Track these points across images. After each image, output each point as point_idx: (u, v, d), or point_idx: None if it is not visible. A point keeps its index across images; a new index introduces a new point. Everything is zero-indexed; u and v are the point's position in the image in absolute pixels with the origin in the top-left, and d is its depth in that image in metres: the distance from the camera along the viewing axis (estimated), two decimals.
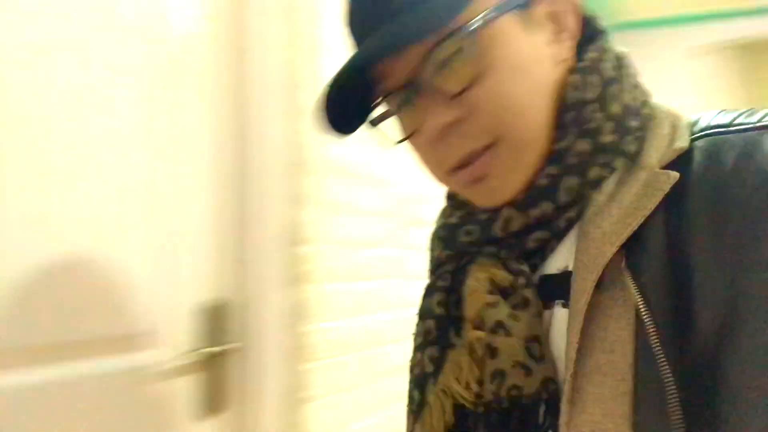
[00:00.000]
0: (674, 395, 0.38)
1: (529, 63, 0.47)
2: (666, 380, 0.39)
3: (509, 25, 0.46)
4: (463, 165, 0.47)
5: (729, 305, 0.39)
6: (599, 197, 0.46)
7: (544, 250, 0.49)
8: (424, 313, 0.53)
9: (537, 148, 0.47)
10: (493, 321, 0.47)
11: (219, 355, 0.96)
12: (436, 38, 0.44)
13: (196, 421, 0.92)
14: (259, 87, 1.06)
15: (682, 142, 0.46)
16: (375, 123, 0.52)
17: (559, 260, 0.48)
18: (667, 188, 0.43)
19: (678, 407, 0.38)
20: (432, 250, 0.57)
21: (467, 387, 0.46)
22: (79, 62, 0.76)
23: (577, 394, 0.42)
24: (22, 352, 0.68)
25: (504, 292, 0.48)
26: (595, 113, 0.47)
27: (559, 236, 0.48)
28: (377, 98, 0.50)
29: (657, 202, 0.43)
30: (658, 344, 0.39)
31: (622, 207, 0.44)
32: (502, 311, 0.47)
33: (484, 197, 0.49)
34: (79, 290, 0.76)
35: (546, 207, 0.47)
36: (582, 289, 0.43)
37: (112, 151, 0.80)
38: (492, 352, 0.46)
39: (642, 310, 0.40)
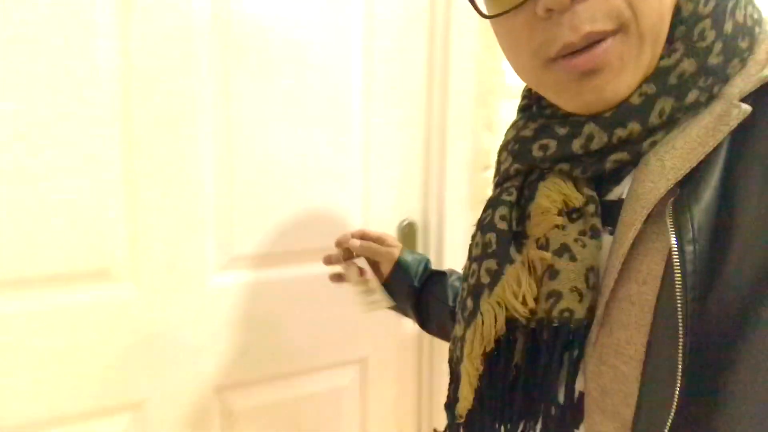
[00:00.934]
0: (683, 342, 0.38)
1: None
2: (678, 323, 0.38)
3: None
4: (573, 52, 0.43)
5: (760, 278, 0.37)
6: (675, 128, 0.43)
7: (618, 174, 0.47)
8: (485, 226, 0.53)
9: (656, 50, 0.43)
10: (559, 243, 0.46)
11: None
12: None
13: (381, 315, 1.16)
14: (454, 21, 1.16)
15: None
16: None
17: (622, 188, 0.47)
18: (734, 124, 0.40)
19: (683, 354, 0.38)
20: (499, 162, 0.56)
21: (524, 302, 0.47)
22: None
23: (608, 318, 0.43)
24: (257, 258, 1.23)
25: (571, 214, 0.47)
26: (707, 30, 0.43)
27: (636, 161, 0.45)
28: None
29: (720, 139, 0.40)
30: (681, 287, 0.38)
31: (687, 140, 0.41)
32: (569, 235, 0.46)
33: (588, 94, 0.44)
34: (294, 212, 1.05)
35: (634, 128, 0.44)
36: (630, 222, 0.42)
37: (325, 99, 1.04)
38: (552, 273, 0.46)
39: (673, 249, 0.39)
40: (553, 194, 0.48)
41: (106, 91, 0.88)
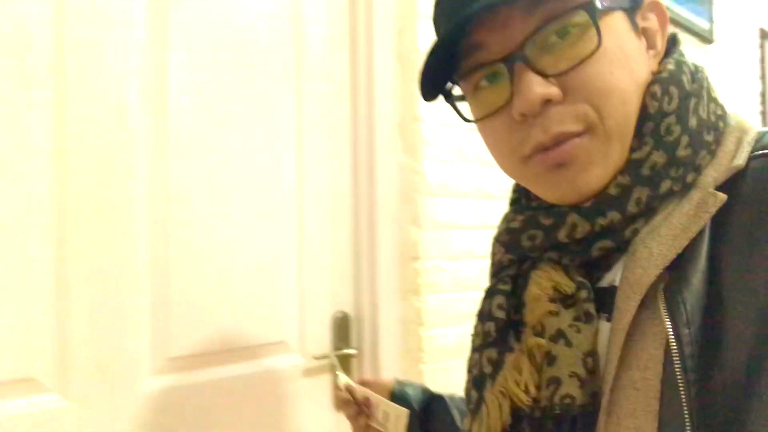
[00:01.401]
0: (689, 422, 0.39)
1: (632, 59, 0.47)
2: (683, 407, 0.39)
3: (619, 21, 0.47)
4: (546, 149, 0.47)
5: (758, 341, 0.39)
6: (654, 216, 0.46)
7: (607, 261, 0.49)
8: (484, 316, 0.54)
9: (624, 146, 0.47)
10: (555, 329, 0.47)
11: (343, 358, 1.20)
12: (548, 13, 0.45)
13: (322, 414, 1.17)
14: (379, 128, 1.26)
15: (738, 160, 0.45)
16: (451, 96, 0.54)
17: (613, 274, 0.49)
18: (713, 210, 0.43)
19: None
20: (493, 254, 0.58)
21: (526, 390, 0.47)
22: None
23: (614, 407, 0.44)
24: (195, 358, 1.12)
25: (565, 300, 0.49)
26: (673, 125, 0.46)
27: (622, 248, 0.47)
28: (470, 68, 0.50)
29: (702, 226, 0.43)
30: (681, 370, 0.39)
31: (671, 227, 0.44)
32: (563, 320, 0.48)
33: (563, 185, 0.48)
34: (233, 308, 1.05)
35: (614, 216, 0.47)
36: (625, 308, 0.44)
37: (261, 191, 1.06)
38: (550, 359, 0.47)
39: (669, 335, 0.40)
40: (544, 281, 0.49)
41: (36, 182, 0.86)
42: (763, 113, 2.80)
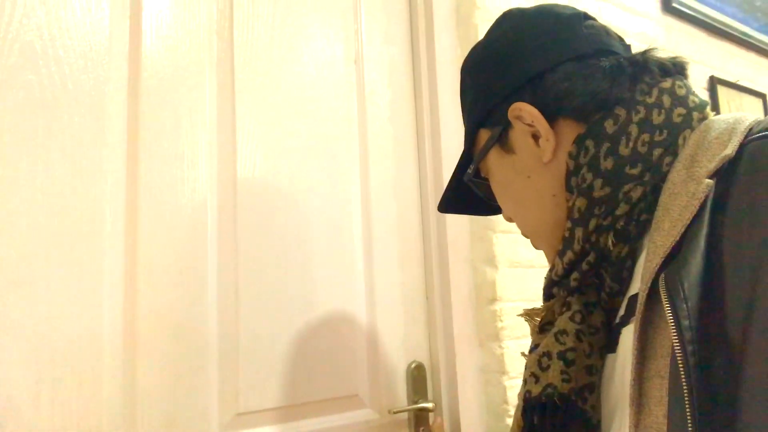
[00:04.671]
0: (691, 408, 0.39)
1: (513, 179, 0.59)
2: (685, 394, 0.39)
3: (493, 157, 0.60)
4: None
5: (747, 312, 0.39)
6: (657, 213, 0.48)
7: (630, 272, 0.52)
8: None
9: (560, 227, 0.56)
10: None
11: (420, 412, 1.07)
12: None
13: None
14: (447, 165, 1.18)
15: (729, 149, 0.45)
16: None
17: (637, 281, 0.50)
18: (702, 196, 0.43)
19: (692, 417, 0.39)
20: None
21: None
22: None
23: (644, 398, 0.44)
24: (263, 413, 1.02)
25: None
26: (585, 174, 0.52)
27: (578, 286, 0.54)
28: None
29: (694, 212, 0.43)
30: (681, 356, 0.39)
31: (670, 219, 0.45)
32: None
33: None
34: (302, 362, 0.98)
35: (570, 255, 0.54)
36: (639, 302, 0.45)
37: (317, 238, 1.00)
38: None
39: (670, 322, 0.40)
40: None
41: (108, 240, 0.83)
42: None
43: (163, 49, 0.92)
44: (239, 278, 0.94)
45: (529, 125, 0.56)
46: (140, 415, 0.82)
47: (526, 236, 0.63)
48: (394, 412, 1.06)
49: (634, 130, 0.51)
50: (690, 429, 0.38)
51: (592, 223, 0.51)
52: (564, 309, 0.55)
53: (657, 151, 0.50)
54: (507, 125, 0.57)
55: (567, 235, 0.54)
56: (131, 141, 0.87)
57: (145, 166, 0.87)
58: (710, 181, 0.44)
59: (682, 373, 0.39)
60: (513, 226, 0.65)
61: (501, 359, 1.11)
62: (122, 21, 0.88)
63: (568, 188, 0.54)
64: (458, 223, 1.17)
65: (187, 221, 0.90)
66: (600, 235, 0.52)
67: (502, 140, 0.58)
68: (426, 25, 1.21)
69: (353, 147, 1.12)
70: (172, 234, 0.88)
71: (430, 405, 1.10)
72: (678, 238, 0.43)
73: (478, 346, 1.14)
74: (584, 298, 0.55)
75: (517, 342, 1.14)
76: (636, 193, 0.50)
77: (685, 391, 0.39)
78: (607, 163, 0.51)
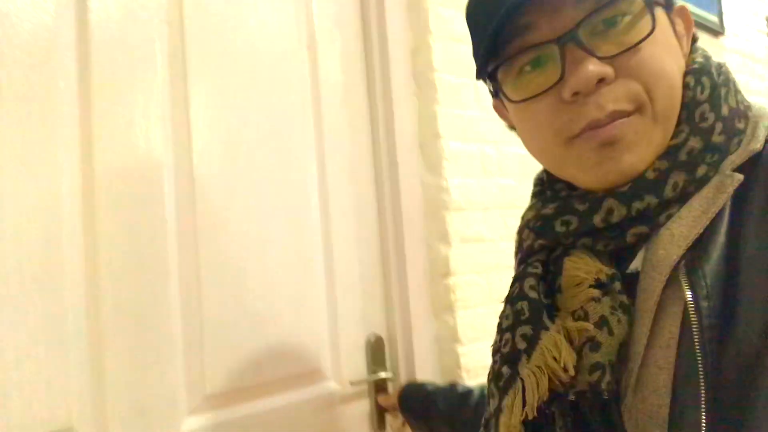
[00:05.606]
0: (705, 395, 0.39)
1: (675, 48, 0.49)
2: (700, 381, 0.39)
3: (662, 16, 0.48)
4: (597, 126, 0.46)
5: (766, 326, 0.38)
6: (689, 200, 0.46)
7: (634, 248, 0.48)
8: (515, 297, 0.52)
9: (666, 131, 0.47)
10: (598, 315, 0.46)
11: (380, 382, 1.14)
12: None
13: None
14: (400, 147, 1.20)
15: (756, 144, 0.45)
16: (496, 79, 0.51)
17: (635, 261, 0.48)
18: (731, 191, 0.43)
19: (705, 409, 0.39)
20: (522, 240, 0.56)
21: (565, 370, 0.46)
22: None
23: (640, 385, 0.44)
24: (231, 394, 1.02)
25: (601, 287, 0.48)
26: (707, 113, 0.47)
27: (656, 233, 0.46)
28: (518, 50, 0.48)
29: (721, 206, 0.43)
30: (699, 344, 0.39)
31: (691, 209, 0.44)
32: (605, 307, 0.47)
33: (607, 164, 0.47)
34: (265, 341, 0.99)
35: (650, 201, 0.46)
36: (651, 289, 0.44)
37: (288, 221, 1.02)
38: (594, 345, 0.46)
39: (690, 312, 0.40)
40: (584, 267, 0.48)
41: (64, 224, 0.82)
42: None
43: (112, 40, 0.89)
44: (200, 266, 0.95)
45: (678, 26, 0.51)
46: (110, 406, 0.84)
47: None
48: (355, 383, 1.12)
49: (731, 86, 0.50)
50: (703, 419, 0.38)
51: (701, 171, 0.46)
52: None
53: (749, 114, 0.49)
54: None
55: (653, 176, 0.47)
56: (84, 135, 0.85)
57: (100, 161, 0.86)
58: (740, 176, 0.43)
59: (700, 359, 0.39)
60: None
61: (455, 329, 1.18)
62: (67, 9, 0.86)
63: (676, 120, 0.49)
64: (413, 202, 1.21)
65: (146, 214, 0.90)
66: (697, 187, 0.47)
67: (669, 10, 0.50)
68: (377, 8, 1.21)
69: (308, 131, 1.13)
70: (131, 228, 0.88)
71: (388, 375, 1.16)
72: (701, 231, 0.42)
73: (432, 318, 1.20)
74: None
75: (470, 312, 1.21)
76: (735, 148, 0.47)
77: (701, 379, 0.39)
78: (725, 110, 0.48)
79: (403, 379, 1.17)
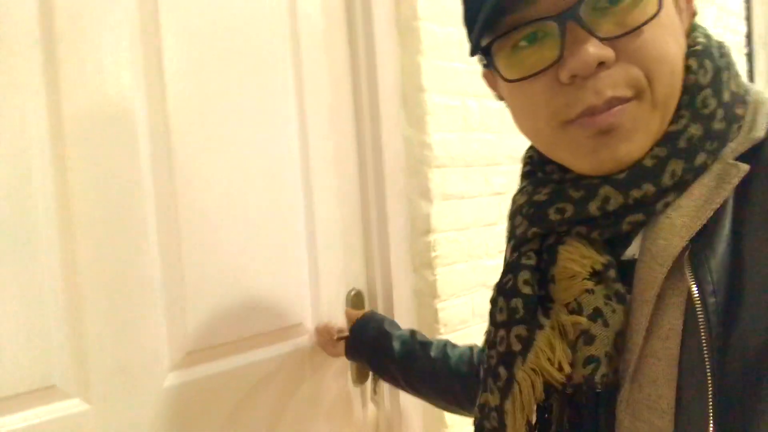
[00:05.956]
0: (712, 392, 0.39)
1: (678, 28, 0.46)
2: (707, 374, 0.39)
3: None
4: (594, 113, 0.44)
5: None
6: (687, 189, 0.45)
7: (629, 235, 0.47)
8: (509, 291, 0.51)
9: (665, 118, 0.46)
10: (592, 308, 0.46)
11: None
12: None
13: (345, 389, 1.15)
14: (382, 100, 1.17)
15: (757, 132, 0.44)
16: (489, 53, 0.48)
17: (632, 248, 0.47)
18: (736, 181, 0.42)
19: (713, 405, 0.38)
20: (514, 227, 0.54)
21: (560, 368, 0.46)
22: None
23: (637, 376, 0.44)
24: (213, 349, 1.01)
25: (594, 277, 0.47)
26: (709, 98, 0.45)
27: (653, 221, 0.45)
28: (515, 24, 0.45)
29: (726, 196, 0.42)
30: (706, 339, 0.39)
31: (691, 198, 0.43)
32: (599, 298, 0.46)
33: (603, 153, 0.45)
34: (247, 297, 0.99)
35: (648, 189, 0.45)
36: (650, 280, 0.43)
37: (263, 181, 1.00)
38: (588, 338, 0.46)
39: (696, 303, 0.40)
40: (578, 258, 0.47)
41: (36, 183, 0.79)
42: (748, 55, 2.70)
43: None
44: (179, 220, 0.93)
45: (680, 6, 0.49)
46: (92, 363, 0.83)
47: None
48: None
49: (732, 69, 0.48)
50: (710, 415, 0.38)
51: (700, 159, 0.45)
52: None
53: (748, 98, 0.48)
54: None
55: (651, 164, 0.46)
56: (49, 81, 0.80)
57: (68, 109, 0.81)
58: (746, 166, 0.42)
59: (707, 355, 0.39)
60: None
61: (434, 285, 1.19)
62: None
63: (676, 106, 0.47)
64: (394, 158, 1.19)
65: (120, 165, 0.86)
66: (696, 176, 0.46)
67: None
68: None
69: (288, 80, 1.08)
70: (105, 180, 0.85)
71: None
72: (705, 222, 0.41)
73: (412, 273, 1.21)
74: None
75: (449, 268, 1.22)
76: (734, 135, 0.46)
77: (708, 375, 0.38)
78: (726, 95, 0.47)
79: None
